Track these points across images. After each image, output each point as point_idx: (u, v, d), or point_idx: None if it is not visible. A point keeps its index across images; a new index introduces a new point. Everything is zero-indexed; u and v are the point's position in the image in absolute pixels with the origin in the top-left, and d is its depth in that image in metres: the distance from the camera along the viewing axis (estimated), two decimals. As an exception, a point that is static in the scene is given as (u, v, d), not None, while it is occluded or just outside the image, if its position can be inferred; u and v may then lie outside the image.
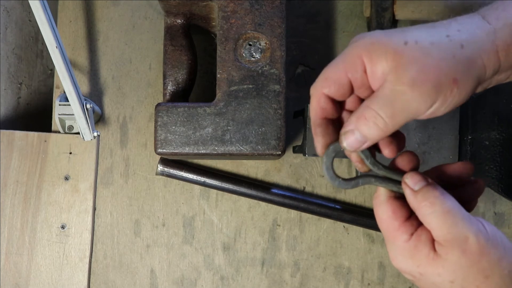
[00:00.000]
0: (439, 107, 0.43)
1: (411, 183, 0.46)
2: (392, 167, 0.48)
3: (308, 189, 0.81)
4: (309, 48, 0.82)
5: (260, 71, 0.70)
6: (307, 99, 0.81)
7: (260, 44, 0.70)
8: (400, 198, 0.47)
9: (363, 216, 0.79)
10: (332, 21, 0.83)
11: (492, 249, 0.43)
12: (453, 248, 0.43)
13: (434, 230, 0.44)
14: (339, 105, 0.48)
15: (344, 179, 0.48)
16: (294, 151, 0.77)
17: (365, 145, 0.45)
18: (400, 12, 0.74)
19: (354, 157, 0.48)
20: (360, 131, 0.44)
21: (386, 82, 0.43)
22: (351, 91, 0.46)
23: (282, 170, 0.81)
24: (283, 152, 0.70)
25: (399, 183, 0.47)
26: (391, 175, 0.48)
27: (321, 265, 0.81)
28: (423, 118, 0.44)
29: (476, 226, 0.44)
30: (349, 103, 0.48)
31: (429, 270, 0.44)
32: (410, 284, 0.80)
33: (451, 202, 0.45)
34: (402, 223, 0.46)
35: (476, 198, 0.49)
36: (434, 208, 0.44)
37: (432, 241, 0.45)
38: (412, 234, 0.46)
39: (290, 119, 0.75)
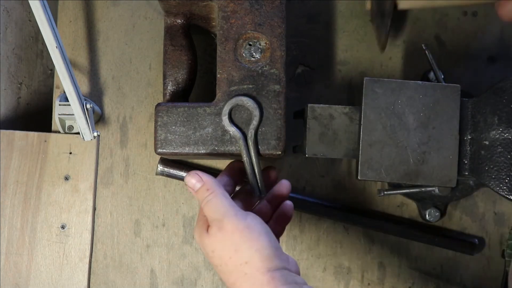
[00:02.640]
0: None
1: (190, 185, 0.62)
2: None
3: (308, 189, 0.81)
4: (309, 48, 0.82)
5: (260, 71, 0.70)
6: (307, 99, 0.82)
7: (260, 44, 0.70)
8: None
9: (363, 216, 0.79)
10: (332, 21, 0.83)
11: (245, 230, 0.57)
12: (213, 225, 0.59)
13: (207, 214, 0.60)
14: None
15: None
16: (294, 151, 0.77)
17: None
18: (402, 2, 0.73)
19: None
20: None
21: None
22: None
23: (282, 170, 0.81)
24: (283, 152, 0.70)
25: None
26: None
27: (321, 265, 0.81)
28: None
29: (236, 215, 0.58)
30: None
31: (203, 242, 0.60)
32: (410, 284, 0.80)
33: (221, 199, 0.60)
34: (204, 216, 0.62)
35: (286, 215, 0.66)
36: (208, 199, 0.60)
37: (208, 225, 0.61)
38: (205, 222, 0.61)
39: (290, 119, 0.75)
